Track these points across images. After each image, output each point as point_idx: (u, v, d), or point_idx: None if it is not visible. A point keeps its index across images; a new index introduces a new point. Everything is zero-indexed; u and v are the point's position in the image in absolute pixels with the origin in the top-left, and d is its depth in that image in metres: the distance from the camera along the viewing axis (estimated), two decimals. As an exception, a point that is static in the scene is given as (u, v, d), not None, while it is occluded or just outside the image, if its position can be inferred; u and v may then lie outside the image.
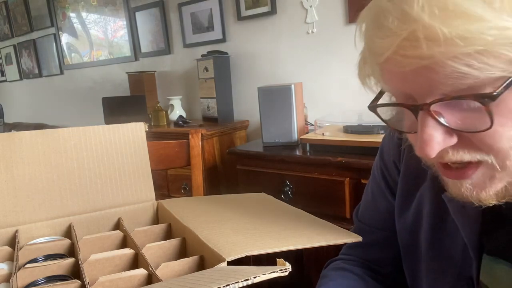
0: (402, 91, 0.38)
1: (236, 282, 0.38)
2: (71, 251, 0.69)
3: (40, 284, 0.56)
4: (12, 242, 0.69)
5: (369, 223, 0.67)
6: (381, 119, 0.43)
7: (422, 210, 0.55)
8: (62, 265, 0.60)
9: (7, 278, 0.58)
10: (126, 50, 2.75)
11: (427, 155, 0.36)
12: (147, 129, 0.84)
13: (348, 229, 0.63)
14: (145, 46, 2.62)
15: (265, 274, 0.40)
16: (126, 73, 2.50)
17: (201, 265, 0.59)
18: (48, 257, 0.65)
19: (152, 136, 1.95)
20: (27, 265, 0.58)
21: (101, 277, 0.52)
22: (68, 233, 0.74)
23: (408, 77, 0.35)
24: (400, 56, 0.33)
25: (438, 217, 0.52)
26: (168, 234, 0.75)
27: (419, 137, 0.37)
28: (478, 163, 0.37)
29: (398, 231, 0.61)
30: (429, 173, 0.52)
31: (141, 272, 0.55)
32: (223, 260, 0.51)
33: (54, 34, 3.28)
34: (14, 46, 3.79)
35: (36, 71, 3.62)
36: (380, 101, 0.43)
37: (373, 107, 0.43)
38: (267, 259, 0.51)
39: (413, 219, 0.57)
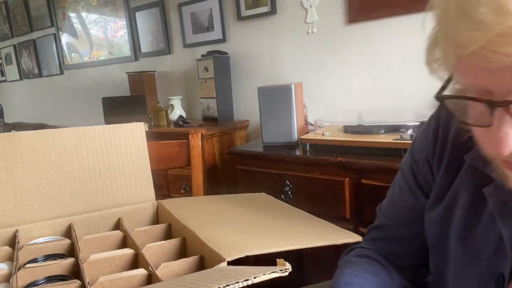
0: (481, 85, 0.35)
1: (236, 282, 0.38)
2: (71, 251, 0.69)
3: (40, 284, 0.56)
4: (12, 242, 0.69)
5: (393, 218, 0.66)
6: (447, 109, 0.41)
7: (456, 204, 0.54)
8: (62, 265, 0.60)
9: (7, 278, 0.58)
10: (126, 50, 2.75)
11: (500, 153, 0.35)
12: (147, 129, 0.84)
13: (348, 229, 0.63)
14: (145, 46, 2.62)
15: (265, 274, 0.40)
16: (126, 73, 2.50)
17: (201, 265, 0.59)
18: (48, 257, 0.65)
19: (152, 136, 1.95)
20: (27, 265, 0.58)
21: (101, 277, 0.52)
22: (68, 233, 0.74)
23: (492, 73, 0.33)
24: (488, 52, 0.31)
25: (473, 211, 0.52)
26: (168, 234, 0.75)
27: (493, 134, 0.36)
28: None
29: (427, 225, 0.60)
30: (466, 167, 0.52)
31: (141, 272, 0.55)
32: (223, 260, 0.51)
33: (54, 34, 3.28)
34: (14, 46, 3.79)
35: (36, 71, 3.62)
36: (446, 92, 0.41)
37: (440, 97, 0.40)
38: (267, 259, 0.51)
39: (444, 213, 0.56)
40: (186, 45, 2.37)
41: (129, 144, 0.81)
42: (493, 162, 0.43)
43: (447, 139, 0.55)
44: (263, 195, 0.90)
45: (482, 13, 0.30)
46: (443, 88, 0.41)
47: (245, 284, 0.38)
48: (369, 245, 0.68)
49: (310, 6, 1.81)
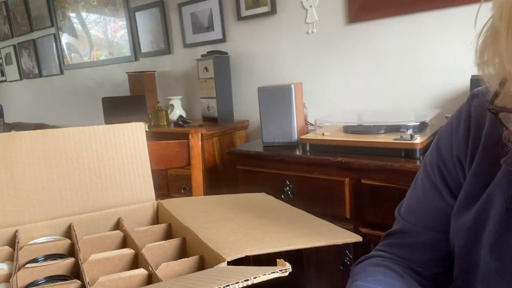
0: None
1: (236, 282, 0.38)
2: (71, 251, 0.69)
3: (40, 284, 0.56)
4: (12, 242, 0.69)
5: (417, 222, 0.61)
6: (499, 120, 0.38)
7: (490, 210, 0.50)
8: (62, 265, 0.60)
9: (7, 278, 0.58)
10: (126, 50, 2.75)
11: None
12: (147, 129, 0.84)
13: (348, 229, 0.63)
14: (145, 46, 2.62)
15: (265, 274, 0.40)
16: (126, 73, 2.50)
17: (201, 265, 0.59)
18: (48, 257, 0.65)
19: (152, 136, 1.95)
20: (27, 265, 0.58)
21: (101, 277, 0.52)
22: (68, 233, 0.74)
23: None
24: None
25: (509, 218, 0.48)
26: (168, 234, 0.75)
27: None
28: None
29: (455, 231, 0.55)
30: (504, 171, 0.48)
31: (141, 272, 0.55)
32: (223, 260, 0.51)
33: (54, 34, 3.28)
34: (14, 46, 3.79)
35: (36, 71, 3.62)
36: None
37: (496, 110, 0.36)
38: (267, 259, 0.51)
39: (475, 219, 0.51)
40: (186, 45, 2.37)
41: (129, 144, 0.81)
42: None
43: (480, 136, 0.51)
44: (263, 195, 0.90)
45: None
46: (496, 95, 0.36)
47: (245, 284, 0.38)
48: (387, 252, 0.63)
49: (310, 6, 1.82)
